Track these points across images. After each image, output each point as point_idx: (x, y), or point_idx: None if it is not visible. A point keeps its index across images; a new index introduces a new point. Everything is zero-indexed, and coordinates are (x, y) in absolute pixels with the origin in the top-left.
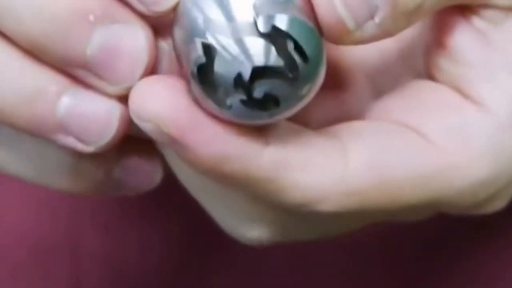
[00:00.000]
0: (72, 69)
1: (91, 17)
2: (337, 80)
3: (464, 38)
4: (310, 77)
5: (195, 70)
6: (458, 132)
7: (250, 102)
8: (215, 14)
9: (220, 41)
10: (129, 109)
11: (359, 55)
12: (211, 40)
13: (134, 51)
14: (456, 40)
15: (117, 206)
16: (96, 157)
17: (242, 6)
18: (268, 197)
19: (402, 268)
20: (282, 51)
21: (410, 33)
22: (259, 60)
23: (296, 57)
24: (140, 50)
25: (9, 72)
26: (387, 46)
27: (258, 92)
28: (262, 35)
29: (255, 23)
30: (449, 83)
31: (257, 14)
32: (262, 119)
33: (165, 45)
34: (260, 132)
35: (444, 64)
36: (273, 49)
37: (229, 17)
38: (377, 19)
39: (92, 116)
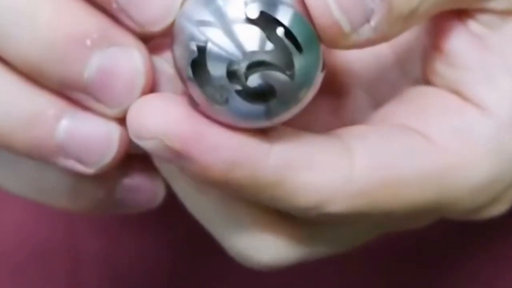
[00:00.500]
0: (70, 93)
1: (88, 42)
2: (334, 88)
3: (461, 42)
4: (306, 68)
5: (189, 69)
6: (460, 133)
7: (245, 92)
8: (207, 16)
9: (211, 34)
10: (128, 131)
11: (356, 63)
12: (202, 36)
13: (131, 73)
14: (453, 44)
15: None
16: (97, 177)
17: (233, 5)
18: (278, 203)
19: (402, 269)
20: (272, 37)
21: (406, 40)
22: (249, 46)
23: (288, 43)
24: (137, 72)
25: (6, 96)
26: (384, 53)
27: (253, 81)
28: (251, 21)
29: (245, 13)
30: (448, 87)
31: (246, 4)
32: (261, 118)
33: (164, 65)
34: (263, 135)
35: (442, 69)
36: (262, 34)
37: (221, 15)
38: (373, 23)
39: (92, 138)
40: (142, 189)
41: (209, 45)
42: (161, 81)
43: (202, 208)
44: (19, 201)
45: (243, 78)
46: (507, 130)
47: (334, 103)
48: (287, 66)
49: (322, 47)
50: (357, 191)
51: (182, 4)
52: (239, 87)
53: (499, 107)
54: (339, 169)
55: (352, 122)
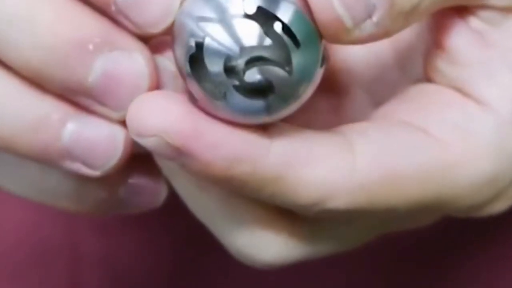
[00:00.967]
0: (74, 97)
1: (91, 46)
2: (333, 87)
3: (461, 39)
4: (305, 64)
5: (188, 65)
6: (461, 128)
7: (243, 88)
8: (207, 12)
9: (209, 30)
10: (130, 141)
11: (355, 63)
12: (201, 32)
13: (134, 77)
14: (453, 41)
15: None
16: (99, 178)
17: (232, 1)
18: (279, 199)
19: (402, 269)
20: (270, 32)
21: (406, 39)
22: (247, 41)
23: (285, 39)
24: (140, 75)
25: (12, 102)
26: (383, 52)
27: (250, 76)
28: (248, 16)
29: (243, 8)
30: (449, 84)
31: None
32: (260, 114)
33: (166, 63)
34: (263, 131)
35: (443, 66)
36: (260, 30)
37: (220, 10)
38: (374, 18)
39: (97, 141)
40: (144, 189)
41: (207, 41)
42: (163, 80)
43: (203, 206)
44: (19, 201)
45: (241, 74)
46: (508, 126)
47: (334, 102)
48: (285, 61)
49: (324, 43)
50: (359, 187)
51: (182, 2)
52: (237, 83)
53: (500, 103)
54: (340, 165)
55: (352, 121)
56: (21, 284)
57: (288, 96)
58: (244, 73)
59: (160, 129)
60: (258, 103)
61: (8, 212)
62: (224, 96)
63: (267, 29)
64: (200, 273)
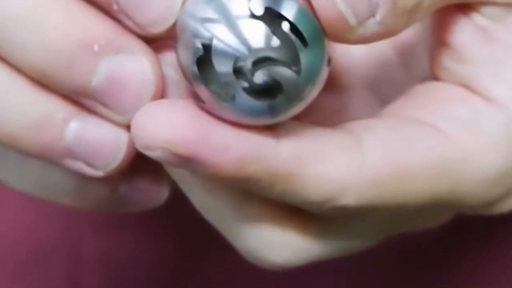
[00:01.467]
0: (79, 98)
1: (96, 48)
2: (339, 88)
3: (466, 36)
4: (312, 63)
5: (195, 67)
6: (469, 124)
7: (252, 89)
8: (212, 13)
9: (216, 31)
10: (133, 143)
11: (360, 63)
12: (207, 34)
13: (140, 80)
14: (458, 38)
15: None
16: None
17: (238, 1)
18: (290, 197)
19: (402, 269)
20: (278, 33)
21: (409, 38)
22: (254, 42)
23: (293, 38)
24: (146, 79)
25: (16, 100)
26: (387, 52)
27: (259, 77)
28: (256, 17)
29: (249, 9)
30: (456, 81)
31: (249, 0)
32: (266, 116)
33: (168, 69)
34: (271, 130)
35: (449, 63)
36: (268, 30)
37: (225, 11)
38: (378, 17)
39: (100, 142)
40: (146, 187)
41: (215, 42)
42: (167, 86)
43: (213, 209)
44: (19, 201)
45: (249, 75)
46: None
47: (340, 102)
48: (293, 61)
49: (327, 42)
50: (369, 183)
51: (184, 2)
52: (245, 84)
53: (508, 99)
54: (350, 161)
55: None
56: (21, 284)
57: (295, 96)
58: (253, 74)
59: (166, 140)
60: (265, 103)
61: (8, 212)
62: (232, 98)
63: (274, 29)
64: (199, 273)
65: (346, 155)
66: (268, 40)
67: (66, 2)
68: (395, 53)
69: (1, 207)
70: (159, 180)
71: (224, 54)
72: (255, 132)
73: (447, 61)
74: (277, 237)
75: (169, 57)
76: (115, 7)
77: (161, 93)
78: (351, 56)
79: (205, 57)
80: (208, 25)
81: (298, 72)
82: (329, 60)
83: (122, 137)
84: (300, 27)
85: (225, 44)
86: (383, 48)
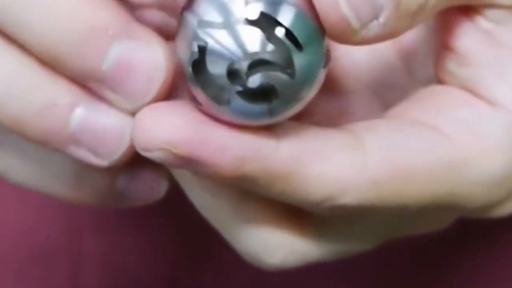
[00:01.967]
0: (88, 82)
1: (108, 31)
2: (341, 91)
3: (470, 39)
4: (308, 66)
5: (190, 69)
6: (472, 127)
7: (247, 93)
8: (211, 16)
9: (213, 35)
10: (134, 145)
11: (362, 66)
12: (204, 36)
13: (151, 67)
14: (462, 42)
15: (115, 209)
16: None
17: (236, 5)
18: (290, 196)
19: (401, 269)
20: (272, 38)
21: (412, 41)
22: (249, 47)
23: (288, 43)
24: (157, 67)
25: (23, 82)
26: (388, 55)
27: (253, 81)
28: (251, 22)
29: (245, 13)
30: (460, 85)
31: (246, 3)
32: (264, 116)
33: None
34: (270, 130)
35: (452, 67)
36: (262, 35)
37: (224, 14)
38: (381, 19)
39: (105, 129)
40: (145, 179)
41: (210, 46)
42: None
43: (213, 210)
44: (20, 201)
45: (244, 79)
46: None
47: (342, 105)
48: (287, 65)
49: (327, 44)
50: (369, 183)
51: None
52: (240, 88)
53: (511, 101)
54: (351, 160)
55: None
56: (22, 284)
57: (291, 99)
58: (247, 78)
59: (165, 142)
60: (261, 107)
61: (8, 212)
62: (227, 101)
63: (269, 34)
64: (200, 273)
65: (347, 154)
66: (263, 44)
67: None
68: (398, 57)
69: (1, 207)
70: (158, 173)
71: (218, 57)
72: (253, 132)
73: (451, 65)
74: (275, 238)
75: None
76: None
77: (170, 82)
78: (353, 59)
79: (200, 60)
80: (206, 28)
81: (292, 75)
82: (327, 61)
83: (128, 125)
84: (295, 31)
85: (220, 48)
86: (386, 51)
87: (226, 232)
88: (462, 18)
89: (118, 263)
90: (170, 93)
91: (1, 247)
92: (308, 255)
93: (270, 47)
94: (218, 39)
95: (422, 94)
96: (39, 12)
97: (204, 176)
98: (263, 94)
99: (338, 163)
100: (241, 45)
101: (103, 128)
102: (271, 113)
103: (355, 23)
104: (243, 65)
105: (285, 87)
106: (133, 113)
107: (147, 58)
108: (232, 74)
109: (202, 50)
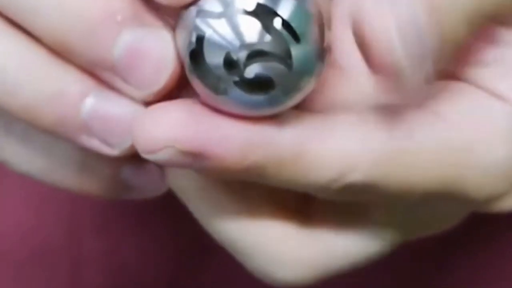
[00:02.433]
0: (97, 71)
1: (119, 17)
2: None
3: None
4: (305, 58)
5: (188, 60)
6: (473, 115)
7: (244, 83)
8: (210, 6)
9: (211, 25)
10: (137, 149)
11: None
12: (203, 26)
13: (161, 55)
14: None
15: (117, 208)
16: (105, 155)
17: None
18: (299, 180)
19: (401, 269)
20: (270, 29)
21: None
22: (247, 37)
23: (285, 34)
24: (166, 55)
25: (33, 71)
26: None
27: (251, 72)
28: (249, 13)
29: (243, 3)
30: (462, 80)
31: None
32: (262, 107)
33: None
34: (273, 117)
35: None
36: (260, 26)
37: (223, 5)
38: (426, 68)
39: (116, 118)
40: (150, 170)
41: (208, 35)
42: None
43: (218, 226)
44: (20, 201)
45: (241, 69)
46: None
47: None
48: (285, 56)
49: (327, 35)
50: (376, 159)
51: None
52: (237, 78)
53: None
54: (356, 137)
55: None
56: (22, 284)
57: (289, 89)
58: (244, 68)
59: (169, 139)
60: (259, 97)
61: (9, 212)
62: (225, 91)
63: (267, 25)
64: (202, 272)
65: (352, 132)
66: (260, 35)
67: None
68: None
69: (2, 207)
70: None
71: (216, 47)
72: (256, 121)
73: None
74: (283, 253)
75: None
76: None
77: (180, 71)
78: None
79: (198, 51)
80: (205, 18)
81: (289, 66)
82: (326, 53)
83: (138, 113)
84: (293, 23)
85: (218, 37)
86: None
87: (235, 251)
88: None
89: (118, 264)
90: (178, 84)
91: (1, 247)
92: (321, 267)
93: (267, 38)
94: (216, 29)
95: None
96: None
97: (211, 173)
98: (261, 84)
99: (344, 141)
100: (239, 35)
101: (114, 117)
102: (269, 103)
103: (408, 72)
104: (241, 56)
105: (282, 78)
106: (144, 101)
107: (157, 45)
108: (230, 64)
109: (200, 40)
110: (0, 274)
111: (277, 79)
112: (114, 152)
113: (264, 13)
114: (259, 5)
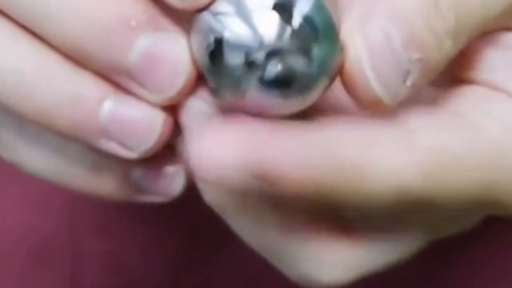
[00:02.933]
0: (114, 75)
1: (133, 23)
2: None
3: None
4: (325, 56)
5: (207, 61)
6: (500, 117)
7: (264, 83)
8: (225, 6)
9: (229, 25)
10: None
11: None
12: (220, 27)
13: (176, 60)
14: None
15: (118, 208)
16: (116, 157)
17: None
18: (362, 196)
19: (400, 269)
20: (289, 27)
21: None
22: (267, 34)
23: (306, 31)
24: (182, 59)
25: (50, 76)
26: None
27: (271, 71)
28: (268, 12)
29: (262, 1)
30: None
31: None
32: (282, 106)
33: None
34: (313, 124)
35: (469, 71)
36: (279, 24)
37: (239, 4)
38: (409, 83)
39: (134, 121)
40: (161, 174)
41: (227, 36)
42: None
43: (261, 237)
44: (21, 200)
45: (261, 67)
46: None
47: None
48: (305, 53)
49: (341, 33)
50: (425, 166)
51: None
52: (257, 78)
53: None
54: (404, 147)
55: None
56: (22, 284)
57: (308, 88)
58: (264, 67)
59: (239, 164)
60: (279, 96)
61: (9, 212)
62: (244, 92)
63: (286, 24)
64: (204, 272)
65: (394, 141)
66: (280, 32)
67: None
68: None
69: (2, 207)
70: (174, 167)
71: (236, 47)
72: (306, 127)
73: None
74: (326, 256)
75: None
76: None
77: (195, 75)
78: None
79: (217, 51)
80: (221, 18)
81: (310, 64)
82: (342, 50)
83: (156, 117)
84: (313, 19)
85: (237, 37)
86: None
87: (275, 258)
88: None
89: (120, 263)
90: (194, 89)
91: (2, 247)
92: (362, 268)
93: (287, 36)
94: (235, 29)
95: (447, 93)
96: (64, 4)
97: (277, 196)
98: (281, 83)
99: (395, 152)
100: (258, 35)
101: (132, 120)
102: (289, 102)
103: (387, 100)
104: (260, 55)
105: (302, 76)
106: (161, 105)
107: (173, 50)
108: (249, 64)
109: (219, 41)
110: (0, 274)
111: (298, 77)
112: (132, 155)
113: (283, 12)
114: (277, 3)
